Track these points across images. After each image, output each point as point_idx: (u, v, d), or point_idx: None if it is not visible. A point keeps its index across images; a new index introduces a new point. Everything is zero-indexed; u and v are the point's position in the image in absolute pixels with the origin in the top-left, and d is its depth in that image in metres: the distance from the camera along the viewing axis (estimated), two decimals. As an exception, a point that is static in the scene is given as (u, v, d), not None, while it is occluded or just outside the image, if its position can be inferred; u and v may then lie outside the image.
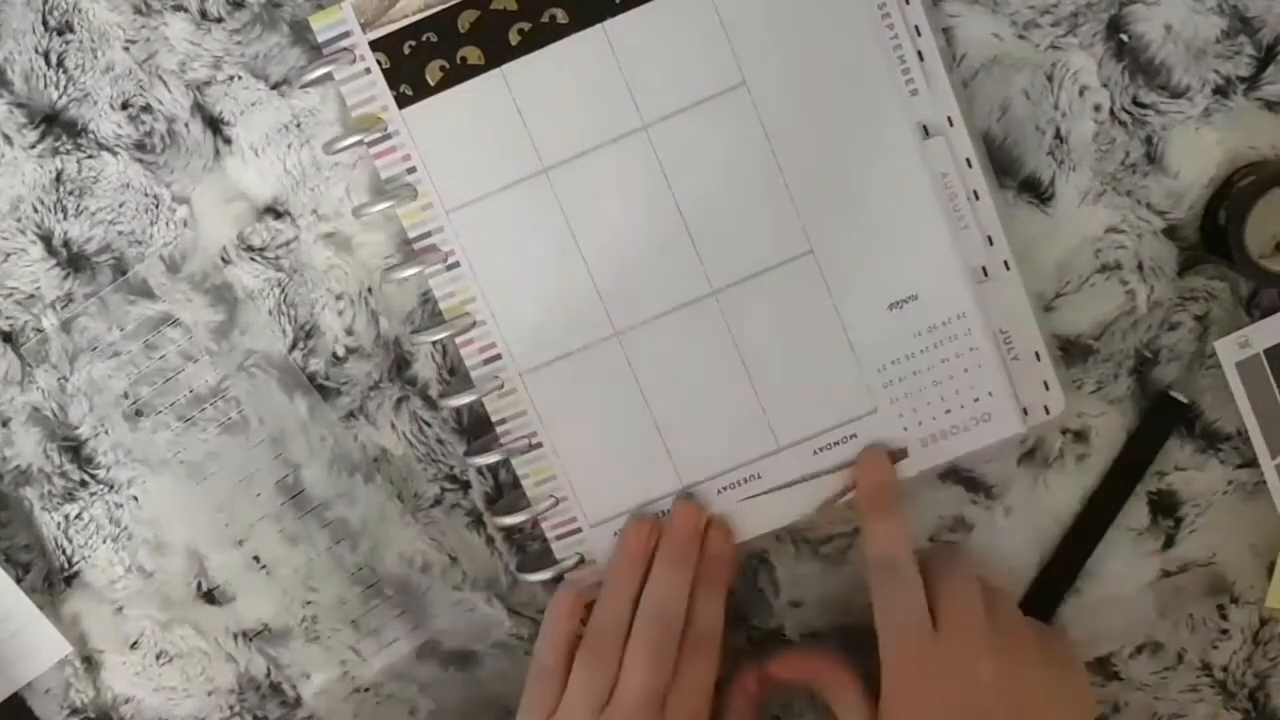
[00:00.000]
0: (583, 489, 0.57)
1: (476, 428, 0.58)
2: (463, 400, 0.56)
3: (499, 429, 0.56)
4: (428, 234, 0.55)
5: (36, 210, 0.57)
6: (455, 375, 0.58)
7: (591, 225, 0.55)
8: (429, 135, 0.54)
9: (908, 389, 0.56)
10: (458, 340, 0.56)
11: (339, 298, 0.58)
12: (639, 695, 0.53)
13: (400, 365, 0.58)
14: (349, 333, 0.58)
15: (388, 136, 0.55)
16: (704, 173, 0.55)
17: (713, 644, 0.56)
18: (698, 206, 0.55)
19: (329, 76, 0.54)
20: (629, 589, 0.56)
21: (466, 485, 0.59)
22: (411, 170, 0.55)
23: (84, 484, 0.59)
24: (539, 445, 0.56)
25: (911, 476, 0.57)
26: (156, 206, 0.57)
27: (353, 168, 0.56)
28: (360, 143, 0.54)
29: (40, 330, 0.58)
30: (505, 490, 0.59)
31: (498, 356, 0.56)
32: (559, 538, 0.57)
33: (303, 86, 0.56)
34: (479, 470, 0.58)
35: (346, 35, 0.54)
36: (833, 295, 0.55)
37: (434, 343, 0.57)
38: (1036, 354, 0.56)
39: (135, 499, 0.59)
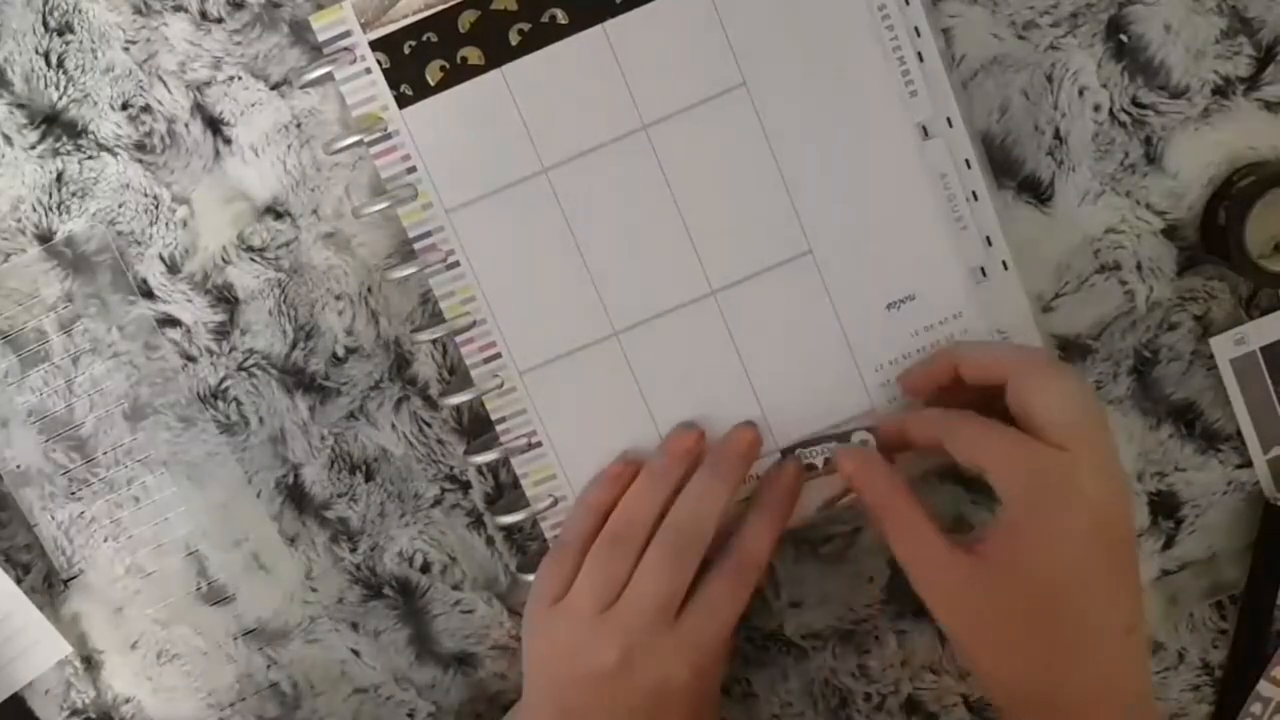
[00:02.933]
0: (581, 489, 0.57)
1: (476, 427, 0.58)
2: (462, 398, 0.56)
3: (499, 428, 0.56)
4: (428, 234, 0.55)
5: (36, 210, 0.57)
6: (455, 375, 0.58)
7: (591, 225, 0.55)
8: (429, 135, 0.54)
9: (907, 389, 0.56)
10: (458, 339, 0.56)
11: (339, 298, 0.58)
12: (648, 601, 0.49)
13: (400, 365, 0.58)
14: (349, 333, 0.58)
15: (388, 136, 0.55)
16: (704, 173, 0.55)
17: (751, 574, 0.51)
18: (697, 206, 0.55)
19: (329, 76, 0.54)
20: (662, 490, 0.51)
21: (466, 485, 0.59)
22: (411, 170, 0.55)
23: (84, 484, 0.59)
24: (538, 444, 0.56)
25: (911, 477, 0.57)
26: (156, 207, 0.57)
27: (352, 168, 0.57)
28: (360, 142, 0.54)
29: (40, 331, 0.58)
30: (505, 490, 0.59)
31: (497, 355, 0.56)
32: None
33: (303, 86, 0.56)
34: (479, 470, 0.58)
35: (347, 35, 0.54)
36: (831, 295, 0.55)
37: (434, 341, 0.57)
38: (1036, 354, 0.56)
39: (135, 499, 0.59)
